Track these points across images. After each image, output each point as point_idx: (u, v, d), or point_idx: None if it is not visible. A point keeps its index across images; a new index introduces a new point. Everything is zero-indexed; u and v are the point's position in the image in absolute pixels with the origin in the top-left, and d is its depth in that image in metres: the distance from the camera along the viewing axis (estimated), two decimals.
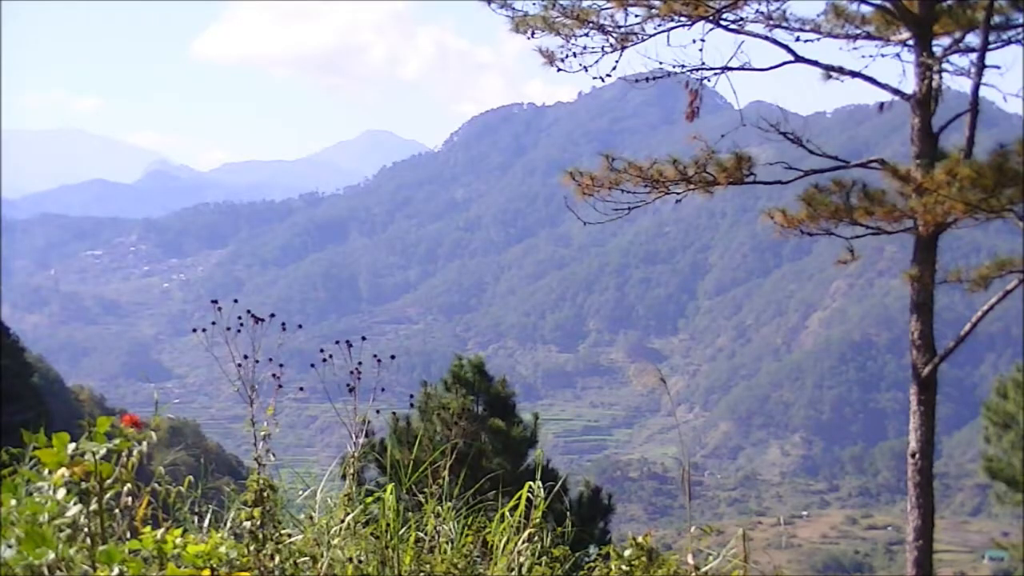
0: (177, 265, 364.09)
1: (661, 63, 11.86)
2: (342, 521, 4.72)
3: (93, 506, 3.42)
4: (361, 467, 5.16)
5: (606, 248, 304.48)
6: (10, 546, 3.03)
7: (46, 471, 3.36)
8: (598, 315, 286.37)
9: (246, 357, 4.78)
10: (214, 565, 3.53)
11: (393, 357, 5.29)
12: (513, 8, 11.97)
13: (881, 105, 12.72)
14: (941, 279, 11.56)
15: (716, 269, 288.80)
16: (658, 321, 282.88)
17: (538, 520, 5.14)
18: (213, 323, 4.80)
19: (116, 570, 3.16)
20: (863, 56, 12.55)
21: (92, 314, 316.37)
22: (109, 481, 3.48)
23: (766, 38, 11.97)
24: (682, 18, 11.58)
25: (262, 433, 4.77)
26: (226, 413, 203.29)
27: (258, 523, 4.36)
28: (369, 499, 4.86)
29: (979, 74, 11.38)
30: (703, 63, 11.83)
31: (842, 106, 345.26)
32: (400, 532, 4.77)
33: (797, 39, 12.14)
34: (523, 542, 5.09)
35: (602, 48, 11.88)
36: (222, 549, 3.58)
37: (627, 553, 5.17)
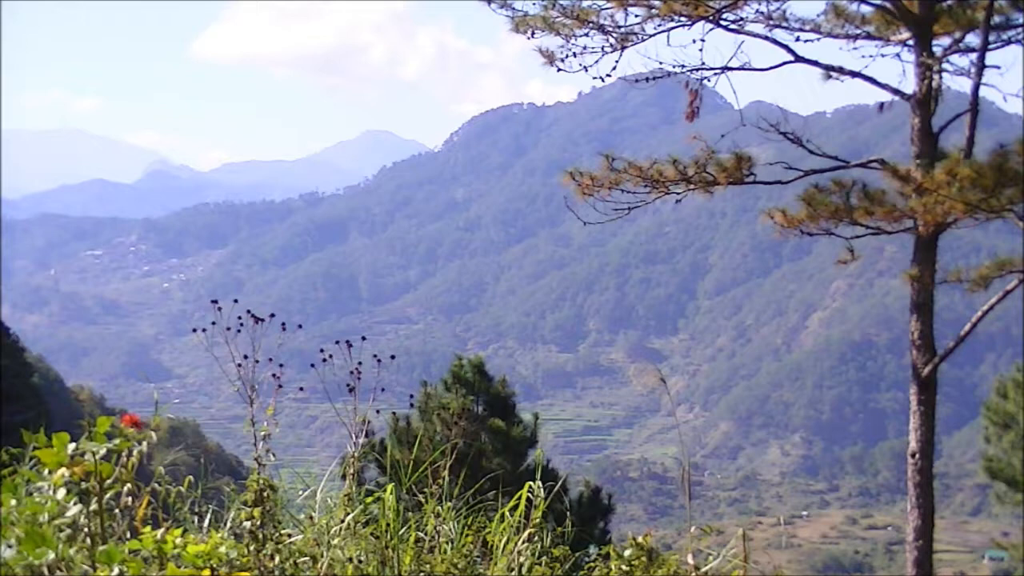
0: (177, 265, 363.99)
1: (661, 63, 11.86)
2: (342, 521, 4.72)
3: (93, 506, 3.42)
4: (361, 467, 5.16)
5: (606, 248, 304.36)
6: (10, 546, 3.03)
7: (46, 471, 3.35)
8: (598, 315, 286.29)
9: (246, 357, 4.78)
10: (214, 565, 3.53)
11: (393, 357, 5.30)
12: (513, 8, 11.97)
13: (881, 105, 12.71)
14: (941, 279, 11.55)
15: (716, 269, 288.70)
16: (658, 321, 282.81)
17: (538, 520, 5.14)
18: (213, 323, 4.80)
19: (116, 570, 3.16)
20: (863, 56, 12.56)
21: (92, 314, 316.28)
22: (109, 481, 3.47)
23: (766, 38, 11.96)
24: (682, 18, 11.58)
25: (262, 433, 4.77)
26: (226, 413, 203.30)
27: (258, 523, 4.36)
28: (369, 499, 4.86)
29: (979, 74, 11.38)
30: (703, 63, 11.84)
31: (842, 106, 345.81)
32: (400, 532, 4.76)
33: (797, 39, 12.16)
34: (523, 542, 5.09)
35: (602, 48, 11.87)
36: (222, 549, 3.58)
37: (627, 553, 5.16)
